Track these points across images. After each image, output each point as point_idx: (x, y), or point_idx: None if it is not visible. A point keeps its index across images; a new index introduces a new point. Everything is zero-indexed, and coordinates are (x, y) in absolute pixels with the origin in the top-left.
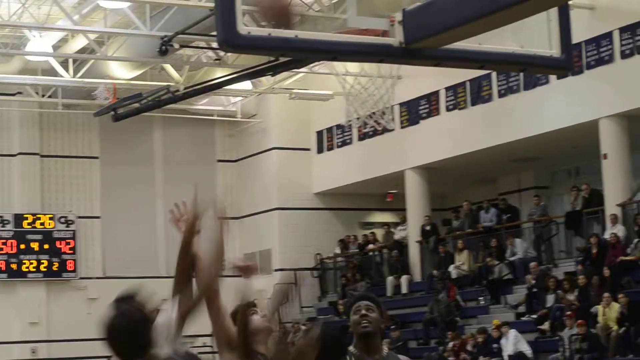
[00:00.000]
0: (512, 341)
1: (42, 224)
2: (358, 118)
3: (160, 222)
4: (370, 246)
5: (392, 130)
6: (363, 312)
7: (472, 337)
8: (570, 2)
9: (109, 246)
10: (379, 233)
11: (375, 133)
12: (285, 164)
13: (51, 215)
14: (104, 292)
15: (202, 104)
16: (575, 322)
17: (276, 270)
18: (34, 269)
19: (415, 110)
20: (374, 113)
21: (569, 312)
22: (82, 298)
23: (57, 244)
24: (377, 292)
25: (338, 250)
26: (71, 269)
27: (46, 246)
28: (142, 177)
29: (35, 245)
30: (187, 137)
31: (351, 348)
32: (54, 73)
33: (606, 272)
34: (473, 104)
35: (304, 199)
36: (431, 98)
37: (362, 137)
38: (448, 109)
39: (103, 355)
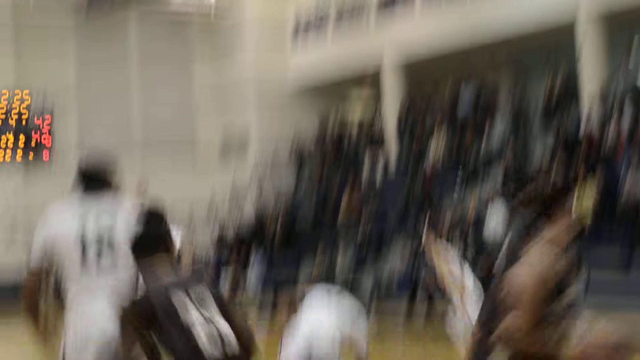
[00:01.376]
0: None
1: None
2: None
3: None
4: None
5: (368, 25)
6: None
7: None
8: None
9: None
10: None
11: (351, 28)
12: (262, 62)
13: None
14: None
15: (179, 2)
16: None
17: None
18: None
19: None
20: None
21: None
22: None
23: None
24: None
25: None
26: None
27: None
28: (117, 78)
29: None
30: (163, 36)
31: None
32: None
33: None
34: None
35: (280, 96)
36: None
37: (337, 32)
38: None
39: None
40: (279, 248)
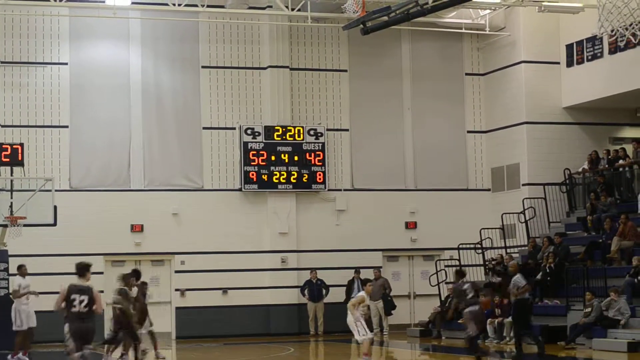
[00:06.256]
0: None
1: (291, 136)
2: (612, 31)
3: (408, 134)
4: (620, 162)
5: None
6: None
7: None
8: None
9: (357, 159)
10: (629, 149)
11: (626, 47)
12: (534, 78)
13: (300, 128)
14: (352, 204)
15: (450, 17)
16: None
17: (524, 184)
18: (284, 180)
19: None
20: (630, 25)
21: None
22: (330, 209)
23: (307, 155)
24: (626, 208)
25: (586, 166)
26: (320, 181)
27: (296, 158)
28: (390, 91)
29: (285, 157)
30: (434, 51)
31: None
32: None
33: None
34: None
35: (552, 113)
36: None
37: (614, 50)
38: None
39: (347, 266)
40: None
